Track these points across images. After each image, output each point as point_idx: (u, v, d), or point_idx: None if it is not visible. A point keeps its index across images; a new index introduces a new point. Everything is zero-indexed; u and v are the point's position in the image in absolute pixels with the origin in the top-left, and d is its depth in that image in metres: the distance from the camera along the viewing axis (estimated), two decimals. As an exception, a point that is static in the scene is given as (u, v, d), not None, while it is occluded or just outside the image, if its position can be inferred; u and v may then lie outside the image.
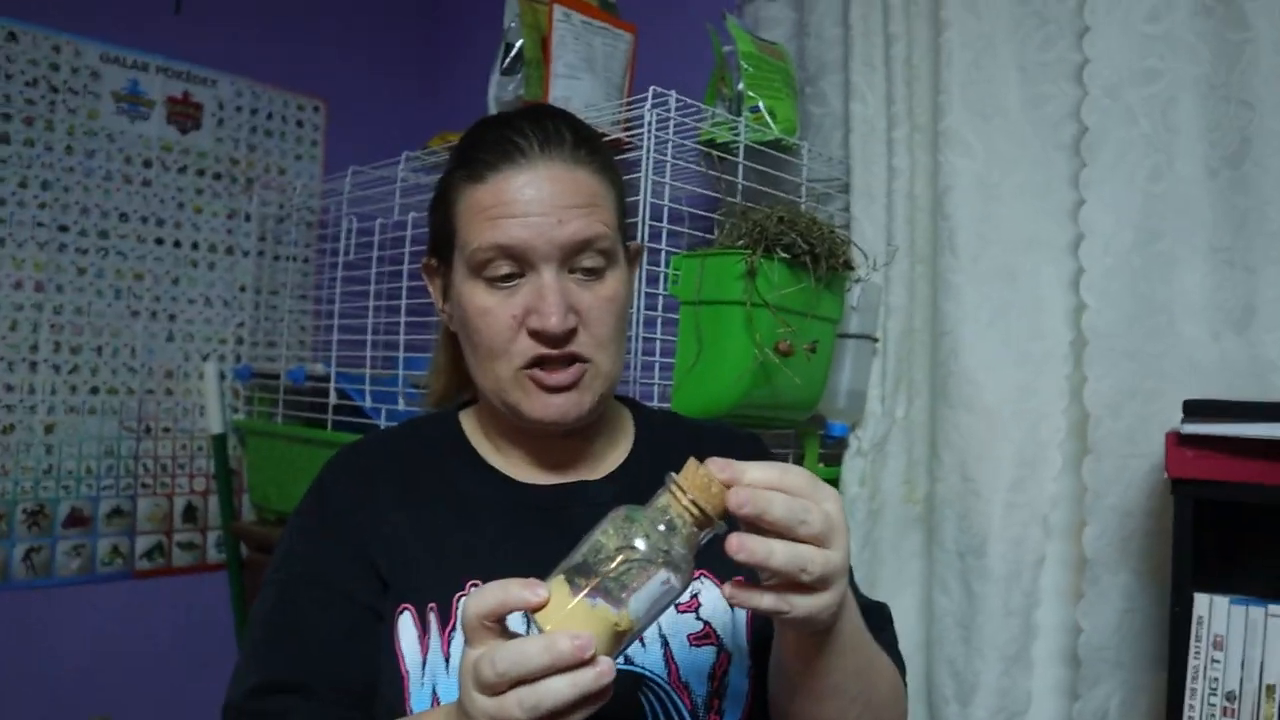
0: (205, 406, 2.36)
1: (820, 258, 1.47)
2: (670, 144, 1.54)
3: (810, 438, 1.68)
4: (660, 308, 1.51)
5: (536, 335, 0.83)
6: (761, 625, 0.86)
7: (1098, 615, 1.43)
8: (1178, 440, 1.20)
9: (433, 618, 0.82)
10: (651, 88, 1.52)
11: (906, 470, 1.67)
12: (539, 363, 0.84)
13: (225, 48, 2.40)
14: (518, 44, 1.71)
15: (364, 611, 0.84)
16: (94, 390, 2.21)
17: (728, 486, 0.63)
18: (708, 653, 0.85)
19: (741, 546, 0.61)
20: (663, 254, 1.51)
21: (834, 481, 1.65)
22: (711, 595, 0.87)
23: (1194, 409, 1.21)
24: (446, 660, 0.81)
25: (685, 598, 0.81)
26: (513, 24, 1.73)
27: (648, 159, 1.50)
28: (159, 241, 2.31)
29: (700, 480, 0.63)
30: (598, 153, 0.88)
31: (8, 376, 2.10)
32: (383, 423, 1.88)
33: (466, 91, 1.96)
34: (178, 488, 2.34)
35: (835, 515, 0.65)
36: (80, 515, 2.19)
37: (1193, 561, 1.20)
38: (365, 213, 2.09)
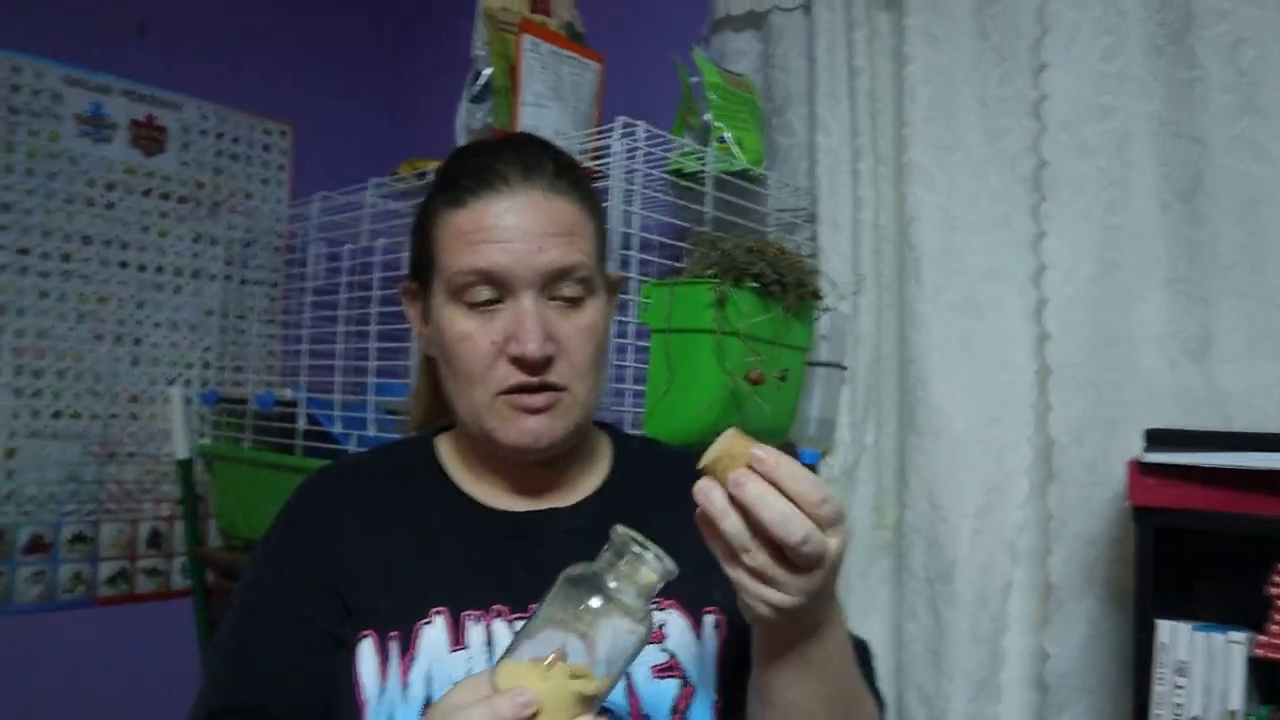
0: (171, 431, 2.33)
1: (789, 287, 1.48)
2: (639, 173, 1.55)
3: (780, 464, 1.68)
4: (630, 335, 1.52)
5: (517, 361, 0.83)
6: (735, 654, 0.86)
7: (1064, 641, 1.44)
8: (1140, 469, 1.23)
9: (394, 646, 0.82)
10: (619, 118, 1.53)
11: (876, 497, 1.69)
12: (517, 390, 0.84)
13: (190, 71, 2.38)
14: (486, 72, 1.72)
15: (325, 639, 0.83)
16: (56, 415, 2.18)
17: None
18: (671, 685, 0.85)
19: (737, 482, 0.63)
20: (632, 282, 1.52)
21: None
22: (679, 626, 0.86)
23: (1156, 438, 1.24)
24: (405, 689, 0.81)
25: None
26: (481, 52, 1.73)
27: (616, 188, 1.51)
28: (123, 265, 2.28)
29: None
30: (578, 183, 0.88)
31: (-33, 402, 2.07)
32: (352, 448, 1.87)
33: (435, 119, 1.96)
34: (142, 513, 2.30)
35: (840, 507, 0.66)
36: (41, 541, 2.15)
37: (1155, 588, 1.23)
38: (333, 238, 2.08)
